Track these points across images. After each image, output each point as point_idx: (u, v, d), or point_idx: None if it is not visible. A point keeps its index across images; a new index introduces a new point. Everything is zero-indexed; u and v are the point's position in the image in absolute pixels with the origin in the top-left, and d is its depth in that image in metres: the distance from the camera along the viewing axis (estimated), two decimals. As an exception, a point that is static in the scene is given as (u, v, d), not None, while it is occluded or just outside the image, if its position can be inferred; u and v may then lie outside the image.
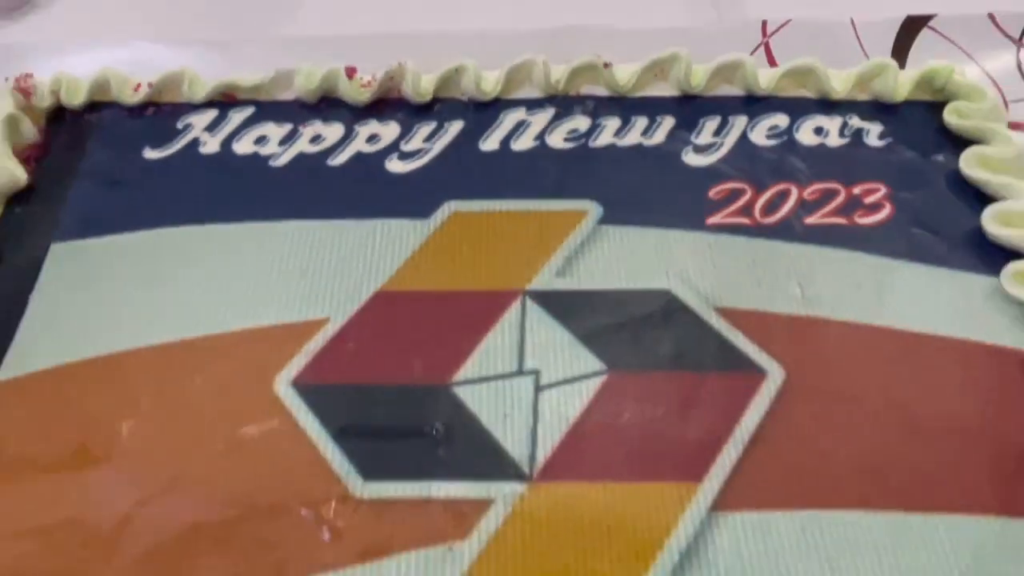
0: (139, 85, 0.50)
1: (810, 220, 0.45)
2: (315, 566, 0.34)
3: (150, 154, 0.48)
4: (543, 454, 0.37)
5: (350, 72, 0.50)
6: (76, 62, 0.54)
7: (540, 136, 0.49)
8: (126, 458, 0.37)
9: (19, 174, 0.46)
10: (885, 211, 0.45)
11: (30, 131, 0.48)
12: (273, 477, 0.36)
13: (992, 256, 0.43)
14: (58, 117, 0.50)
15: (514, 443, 0.37)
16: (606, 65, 0.50)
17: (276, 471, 0.36)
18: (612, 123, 0.49)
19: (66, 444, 0.37)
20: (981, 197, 0.45)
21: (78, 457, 0.37)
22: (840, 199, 0.46)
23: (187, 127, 0.49)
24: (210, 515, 0.35)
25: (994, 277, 0.42)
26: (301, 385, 0.39)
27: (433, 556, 0.34)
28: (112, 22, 0.71)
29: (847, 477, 0.36)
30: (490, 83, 0.50)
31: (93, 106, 0.50)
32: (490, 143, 0.48)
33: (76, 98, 0.50)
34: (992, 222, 0.44)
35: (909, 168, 0.47)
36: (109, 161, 0.48)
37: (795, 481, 0.36)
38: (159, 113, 0.50)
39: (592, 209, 0.45)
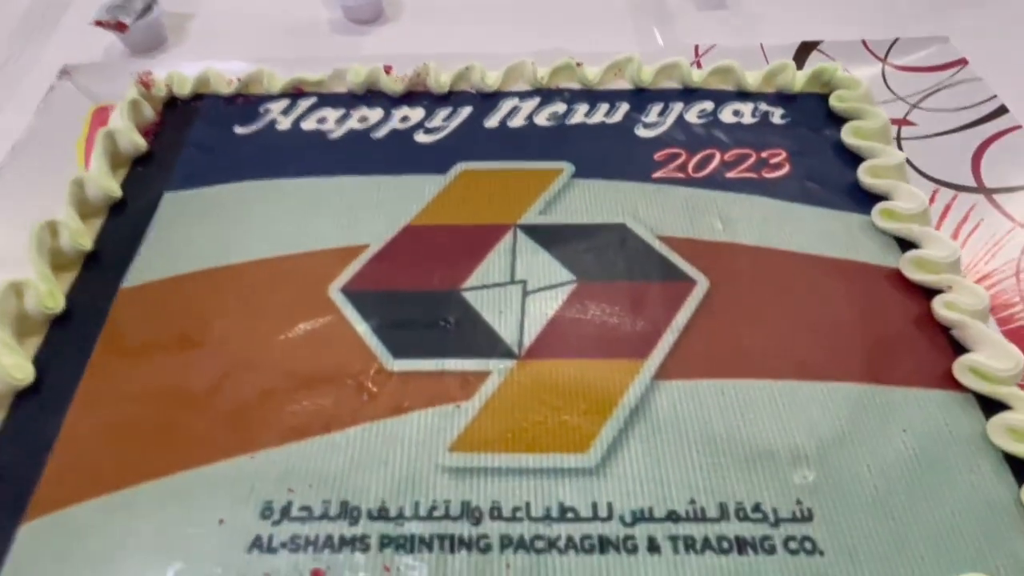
0: (231, 80, 0.48)
1: (729, 175, 0.42)
2: (357, 419, 0.32)
3: (239, 130, 0.46)
4: (528, 340, 0.35)
5: (387, 70, 0.47)
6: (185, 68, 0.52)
7: (529, 117, 0.46)
8: (216, 344, 0.35)
9: (141, 143, 0.44)
10: (785, 169, 0.43)
11: (149, 113, 0.46)
12: (326, 357, 0.34)
13: (864, 199, 0.41)
14: (170, 104, 0.48)
15: (507, 332, 0.35)
16: (578, 64, 0.47)
17: (328, 353, 0.34)
18: (582, 108, 0.47)
19: (172, 333, 0.35)
20: (856, 158, 0.43)
21: (181, 343, 0.35)
22: (752, 160, 0.43)
23: (266, 111, 0.47)
24: (277, 384, 0.33)
25: (866, 215, 0.40)
26: (348, 291, 0.37)
27: (445, 411, 0.32)
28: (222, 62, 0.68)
29: (755, 355, 0.34)
30: (492, 79, 0.47)
31: (196, 96, 0.48)
32: (492, 122, 0.46)
33: (184, 89, 0.47)
34: (865, 174, 0.41)
35: (803, 138, 0.45)
36: (208, 135, 0.45)
37: (717, 359, 0.34)
38: (246, 101, 0.48)
39: (567, 168, 0.43)
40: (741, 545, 0.28)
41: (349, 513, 0.29)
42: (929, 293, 0.36)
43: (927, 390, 0.33)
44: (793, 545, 0.28)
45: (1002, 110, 0.58)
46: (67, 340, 0.35)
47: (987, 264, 0.49)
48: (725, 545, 0.28)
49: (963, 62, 0.62)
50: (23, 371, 0.32)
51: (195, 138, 0.45)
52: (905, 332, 0.35)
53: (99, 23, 0.67)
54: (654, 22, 0.70)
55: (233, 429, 0.31)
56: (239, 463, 0.30)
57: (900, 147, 0.56)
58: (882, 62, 0.63)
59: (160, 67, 0.63)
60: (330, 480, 0.30)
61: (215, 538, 0.28)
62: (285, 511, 0.29)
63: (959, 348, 0.34)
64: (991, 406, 0.32)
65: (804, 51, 0.63)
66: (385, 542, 0.28)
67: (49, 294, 0.35)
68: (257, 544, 0.28)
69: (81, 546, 0.28)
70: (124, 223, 0.40)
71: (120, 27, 0.67)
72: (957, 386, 0.33)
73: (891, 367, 0.34)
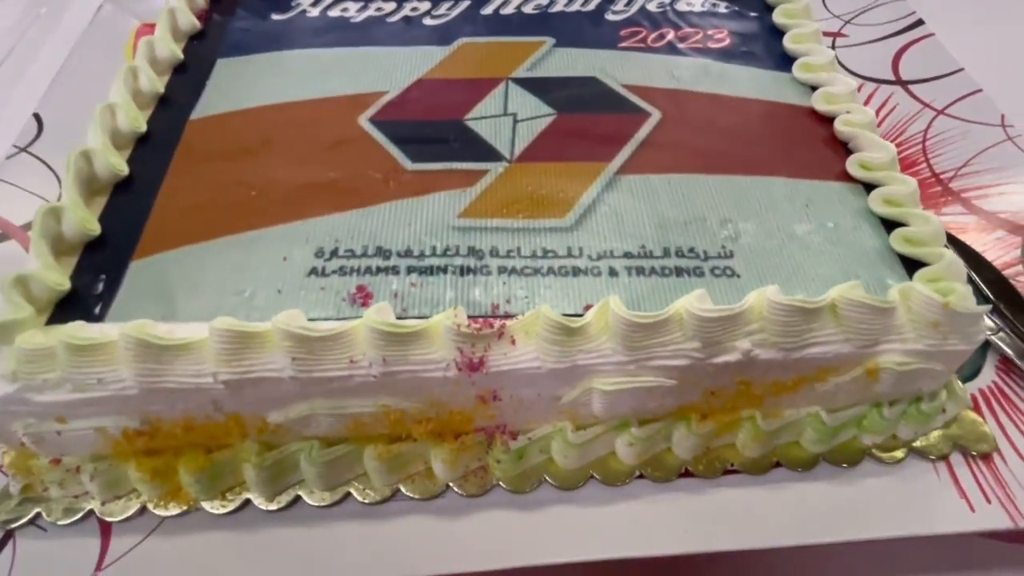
0: (268, -22, 0.57)
1: (681, 45, 0.52)
2: (385, 198, 0.40)
3: (275, 17, 0.54)
4: (518, 150, 0.43)
5: (399, -32, 0.56)
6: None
7: (518, 7, 0.55)
8: (272, 153, 0.43)
9: (195, 22, 0.52)
10: (727, 41, 0.52)
11: (200, 2, 0.54)
12: (358, 162, 0.43)
13: (788, 61, 0.50)
14: (216, -1, 0.56)
15: (501, 145, 0.44)
16: (559, -34, 0.56)
17: (362, 160, 0.43)
18: (562, 0, 0.56)
19: (234, 147, 0.43)
20: (783, 33, 0.52)
21: (243, 152, 0.43)
22: (700, 35, 0.53)
23: (297, 3, 0.55)
24: (323, 177, 0.42)
25: (788, 72, 0.49)
26: (375, 120, 0.45)
27: (454, 194, 0.41)
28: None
29: (698, 158, 0.43)
30: (486, -22, 0.57)
31: (237, -8, 0.57)
32: (487, 10, 0.55)
33: (228, -15, 0.56)
34: (790, 40, 0.51)
35: (743, 22, 0.54)
36: (250, 20, 0.54)
37: (667, 160, 0.43)
38: (280, -4, 0.57)
39: (549, 40, 0.52)
40: (678, 271, 0.37)
41: (383, 253, 0.38)
42: (833, 120, 0.46)
43: (828, 182, 0.42)
44: (717, 272, 0.37)
45: (919, 23, 0.68)
46: (151, 151, 0.43)
47: (900, 136, 0.59)
48: (666, 271, 0.37)
49: (889, -14, 0.72)
50: (120, 166, 0.41)
51: (239, 23, 0.54)
52: (814, 146, 0.44)
53: None
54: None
55: (287, 205, 0.40)
56: (294, 225, 0.39)
57: (835, 51, 0.66)
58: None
59: None
60: (367, 233, 0.39)
61: (280, 269, 0.37)
62: (334, 252, 0.38)
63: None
64: (872, 191, 0.42)
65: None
66: (411, 270, 0.37)
67: (134, 117, 0.44)
68: (313, 271, 0.37)
69: (175, 276, 0.36)
70: (186, 79, 0.49)
71: None
72: (850, 179, 0.42)
73: (802, 168, 0.43)
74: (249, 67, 0.50)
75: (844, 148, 0.44)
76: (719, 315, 0.33)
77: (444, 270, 0.37)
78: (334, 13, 0.55)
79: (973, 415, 0.41)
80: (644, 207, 0.40)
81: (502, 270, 0.37)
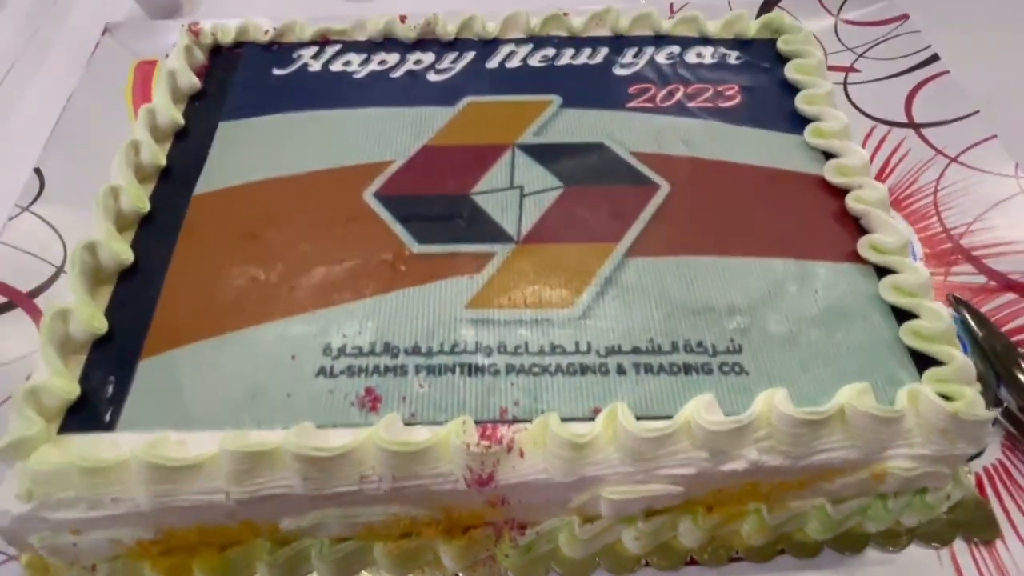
0: (267, 31, 0.55)
1: (690, 104, 0.50)
2: (392, 287, 0.40)
3: (276, 72, 0.53)
4: (525, 230, 0.43)
5: (402, 19, 0.55)
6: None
7: (524, 60, 0.54)
8: (276, 235, 0.43)
9: (195, 82, 0.51)
10: (737, 99, 0.51)
11: (200, 57, 0.53)
12: (364, 244, 0.42)
13: (800, 123, 0.49)
14: (216, 50, 0.55)
15: (508, 224, 0.43)
16: (565, 15, 0.55)
17: (368, 242, 0.42)
18: (569, 51, 0.54)
19: (239, 228, 0.43)
20: (795, 89, 0.51)
21: (247, 235, 0.43)
22: (709, 93, 0.51)
23: (299, 56, 0.54)
24: (328, 264, 0.41)
25: (800, 135, 0.48)
26: (380, 196, 0.45)
27: (461, 281, 0.41)
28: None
29: (705, 238, 0.42)
30: (492, 27, 0.55)
31: (238, 44, 0.55)
32: (492, 64, 0.53)
33: (227, 38, 0.55)
34: (801, 101, 0.49)
35: (753, 75, 0.53)
36: (251, 77, 0.53)
37: (674, 241, 0.42)
38: (280, 48, 0.55)
39: (556, 99, 0.50)
40: (687, 368, 0.37)
41: (390, 350, 0.38)
42: (846, 193, 0.45)
43: (838, 263, 0.42)
44: (726, 368, 0.37)
45: (934, 58, 0.66)
46: (155, 232, 0.43)
47: (909, 186, 0.58)
48: (675, 369, 0.37)
49: (905, 17, 0.71)
50: (126, 253, 0.41)
51: (240, 79, 0.53)
52: (824, 221, 0.44)
53: None
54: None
55: (294, 295, 0.40)
56: (303, 318, 0.39)
57: (846, 91, 0.64)
58: (834, 16, 0.71)
59: (161, 26, 0.70)
60: (375, 328, 0.38)
61: (289, 369, 0.37)
62: (341, 349, 0.38)
63: (865, 232, 0.43)
64: (885, 274, 0.41)
65: (767, 7, 0.71)
66: (419, 369, 0.37)
67: (138, 197, 0.43)
68: (321, 371, 0.37)
69: (185, 377, 0.37)
70: (188, 146, 0.48)
71: None
72: (860, 260, 0.42)
73: (812, 247, 0.42)
74: (251, 132, 0.49)
75: (855, 224, 0.44)
76: (728, 428, 0.33)
77: (452, 369, 0.37)
78: (336, 67, 0.54)
79: (977, 496, 0.41)
80: (652, 293, 0.40)
81: (510, 369, 0.37)
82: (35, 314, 0.49)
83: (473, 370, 0.37)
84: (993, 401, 0.45)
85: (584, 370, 0.37)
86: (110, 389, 0.36)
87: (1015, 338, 0.48)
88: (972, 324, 0.48)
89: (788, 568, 0.39)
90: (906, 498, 0.38)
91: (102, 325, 0.38)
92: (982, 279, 0.51)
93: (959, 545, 0.40)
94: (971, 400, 0.34)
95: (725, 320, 0.39)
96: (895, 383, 0.37)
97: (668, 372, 0.37)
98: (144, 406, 0.35)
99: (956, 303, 0.50)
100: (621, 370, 0.37)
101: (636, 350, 0.38)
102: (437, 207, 0.44)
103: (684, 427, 0.33)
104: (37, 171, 0.57)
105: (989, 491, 0.42)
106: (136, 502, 0.32)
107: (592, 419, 0.35)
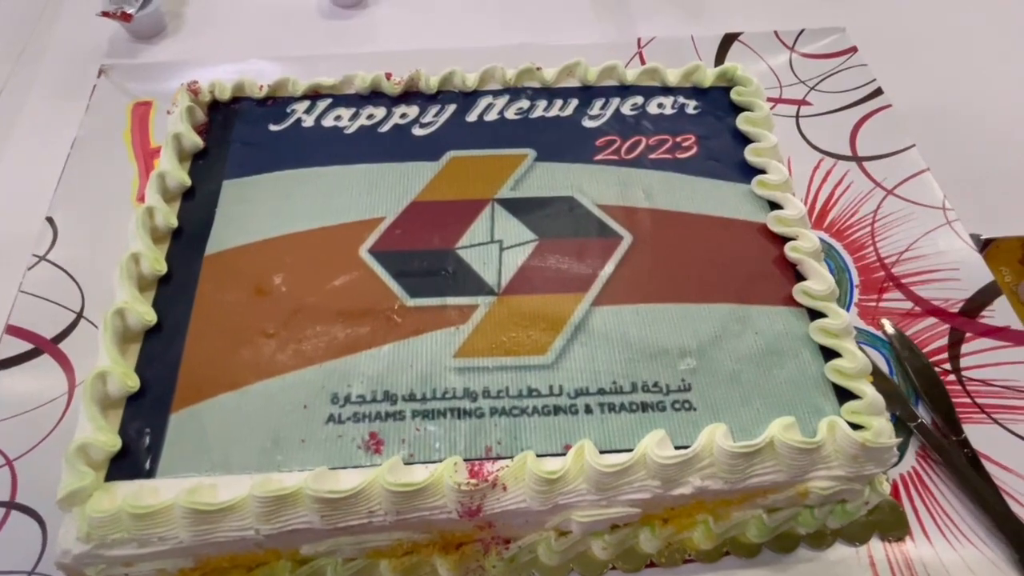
0: (262, 86, 0.59)
1: (651, 156, 0.56)
2: (388, 339, 0.46)
3: (272, 127, 0.57)
4: (504, 281, 0.48)
5: (388, 76, 0.59)
6: (213, 72, 0.63)
7: (501, 112, 0.59)
8: (283, 292, 0.48)
9: (198, 142, 0.55)
10: (693, 150, 0.57)
11: (200, 116, 0.57)
12: (362, 298, 0.48)
13: (749, 173, 0.55)
14: (213, 107, 0.59)
15: (489, 276, 0.49)
16: (538, 68, 0.60)
17: (366, 297, 0.48)
18: (542, 103, 0.59)
19: (250, 282, 0.48)
20: (746, 140, 0.57)
21: (256, 292, 0.48)
22: (669, 144, 0.57)
23: (292, 111, 0.58)
24: (330, 318, 0.47)
25: (748, 184, 0.54)
26: (374, 252, 0.50)
27: (449, 332, 0.46)
28: (218, 45, 0.78)
29: (662, 287, 0.48)
30: (471, 80, 0.60)
31: (235, 100, 0.59)
32: (472, 116, 0.58)
33: (224, 95, 0.58)
34: (750, 153, 0.55)
35: (709, 125, 0.58)
36: (249, 133, 0.57)
37: (634, 290, 0.48)
38: (275, 103, 0.59)
39: (531, 153, 0.56)
40: (644, 406, 0.44)
41: (389, 397, 0.43)
42: (785, 241, 0.51)
43: (775, 307, 0.48)
44: (677, 406, 0.44)
45: (877, 92, 0.72)
46: (173, 293, 0.48)
47: (852, 217, 0.65)
48: (633, 407, 0.44)
49: (854, 50, 0.77)
50: (150, 315, 0.46)
51: (239, 136, 0.57)
52: (766, 267, 0.50)
53: (105, 14, 0.76)
54: (595, 15, 0.83)
55: (302, 349, 0.45)
56: (310, 370, 0.44)
57: (798, 124, 0.70)
58: (790, 50, 0.77)
59: (164, 52, 0.74)
60: (375, 378, 0.44)
61: (301, 417, 0.43)
62: (347, 398, 0.43)
63: (801, 278, 0.50)
64: (816, 316, 0.48)
65: (728, 42, 0.76)
66: (415, 414, 0.43)
67: (156, 260, 0.48)
68: (330, 419, 0.43)
69: (211, 428, 0.42)
70: (196, 205, 0.53)
71: (125, 17, 0.77)
72: (795, 303, 0.48)
73: (753, 292, 0.49)
74: (254, 190, 0.53)
75: (792, 270, 0.50)
76: (675, 461, 0.39)
77: (444, 414, 0.43)
78: (328, 123, 0.58)
79: (891, 500, 0.49)
80: (615, 339, 0.46)
81: (493, 411, 0.43)
82: (60, 359, 0.54)
83: (462, 414, 0.43)
84: (910, 416, 0.52)
85: (556, 411, 0.43)
86: (147, 440, 0.42)
87: (934, 358, 0.56)
88: (897, 346, 0.55)
89: (733, 567, 0.46)
90: (829, 507, 0.46)
91: (135, 383, 0.43)
92: (908, 304, 0.59)
93: (875, 544, 0.47)
94: (878, 430, 0.41)
95: (677, 361, 0.45)
96: (820, 413, 0.43)
97: (628, 410, 0.43)
98: (179, 455, 0.41)
99: (884, 327, 0.57)
100: (588, 410, 0.43)
101: (601, 391, 0.44)
102: (426, 262, 0.49)
103: (640, 460, 0.40)
104: (49, 220, 0.61)
105: (903, 495, 0.50)
106: (179, 539, 0.38)
107: (563, 454, 0.41)
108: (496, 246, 0.50)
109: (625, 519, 0.42)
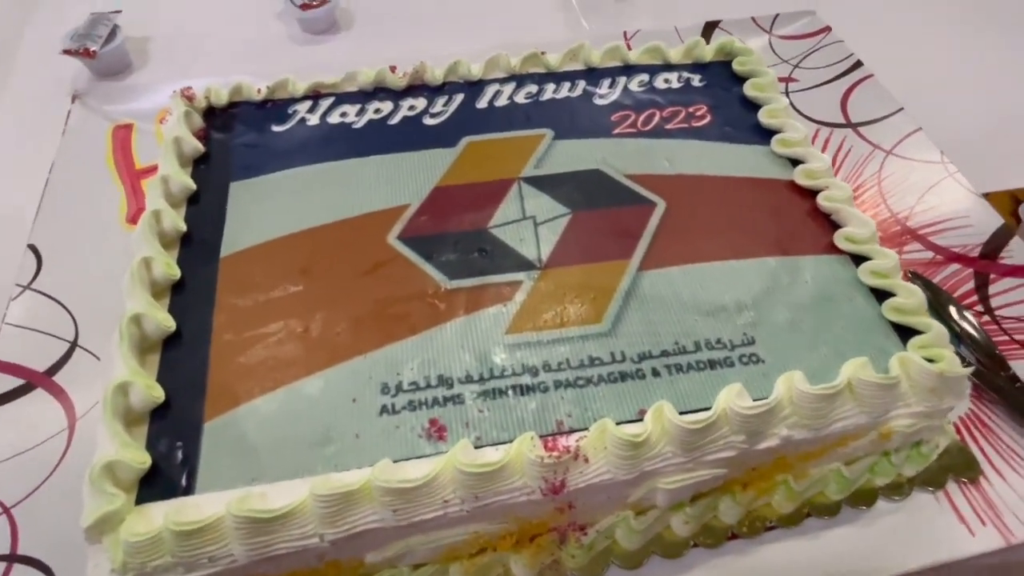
0: (259, 89, 0.57)
1: (667, 126, 0.56)
2: (433, 323, 0.43)
3: (275, 128, 0.55)
4: (545, 255, 0.47)
5: (392, 69, 0.58)
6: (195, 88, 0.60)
7: (510, 97, 0.58)
8: (313, 287, 0.45)
9: (199, 146, 0.52)
10: (708, 119, 0.57)
11: (198, 121, 0.54)
12: (400, 287, 0.45)
13: (764, 135, 0.56)
14: (209, 112, 0.56)
15: (528, 251, 0.47)
16: (542, 53, 0.60)
17: (401, 283, 0.45)
18: (550, 86, 0.59)
19: (273, 280, 0.45)
20: (755, 105, 0.58)
21: (282, 289, 0.44)
22: (683, 114, 0.57)
23: (294, 112, 0.56)
24: (368, 308, 0.44)
25: (767, 146, 0.55)
26: (404, 239, 0.47)
27: (495, 310, 0.44)
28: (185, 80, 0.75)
29: (703, 247, 0.47)
30: (476, 70, 0.59)
31: (232, 105, 0.57)
32: (482, 103, 0.57)
33: (221, 100, 0.56)
34: (763, 116, 0.56)
35: (717, 95, 0.59)
36: (251, 134, 0.54)
37: (677, 252, 0.47)
38: (274, 105, 0.57)
39: (548, 132, 0.55)
40: (711, 364, 0.42)
41: (445, 382, 0.40)
42: (814, 193, 0.51)
43: (819, 255, 0.48)
44: (745, 360, 0.42)
45: (858, 64, 0.75)
46: (189, 298, 0.44)
47: (856, 179, 0.66)
48: (702, 366, 0.42)
49: (827, 29, 0.80)
50: (168, 321, 0.42)
51: (240, 138, 0.54)
52: (801, 220, 0.50)
53: (67, 51, 0.72)
54: (580, 14, 0.84)
55: (341, 341, 0.42)
56: (355, 362, 0.41)
57: (789, 99, 0.72)
58: (768, 34, 0.79)
59: (130, 89, 0.70)
60: (426, 363, 0.41)
61: (351, 412, 0.39)
62: (398, 387, 0.40)
63: (836, 226, 0.49)
64: (859, 260, 0.47)
65: (709, 29, 0.78)
66: (475, 396, 0.40)
67: (168, 264, 0.44)
68: (384, 410, 0.39)
69: (251, 434, 0.38)
70: (203, 209, 0.49)
71: (88, 54, 0.73)
72: (837, 250, 0.48)
73: (794, 244, 0.48)
74: (265, 189, 0.51)
75: (827, 219, 0.50)
76: (758, 411, 0.38)
77: (506, 392, 0.40)
78: (334, 119, 0.56)
79: (959, 443, 0.48)
80: (668, 301, 0.44)
81: (558, 384, 0.40)
82: (56, 392, 0.49)
83: (525, 390, 0.40)
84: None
85: (623, 377, 0.41)
86: (179, 455, 0.37)
87: (965, 301, 0.56)
88: (928, 294, 0.56)
89: (817, 529, 0.44)
90: (905, 452, 0.44)
91: (160, 394, 0.39)
92: (929, 254, 0.59)
93: (951, 487, 0.46)
94: (951, 360, 0.41)
95: (735, 316, 0.44)
96: (886, 353, 0.42)
97: (697, 369, 0.41)
98: (218, 467, 0.37)
99: (913, 277, 0.57)
100: (656, 373, 0.41)
101: (665, 353, 0.42)
102: (460, 244, 0.47)
103: (722, 416, 0.38)
104: (32, 247, 0.56)
105: (967, 437, 0.49)
106: (233, 557, 0.33)
107: (639, 420, 0.39)
108: (530, 222, 0.49)
109: (710, 483, 0.40)
